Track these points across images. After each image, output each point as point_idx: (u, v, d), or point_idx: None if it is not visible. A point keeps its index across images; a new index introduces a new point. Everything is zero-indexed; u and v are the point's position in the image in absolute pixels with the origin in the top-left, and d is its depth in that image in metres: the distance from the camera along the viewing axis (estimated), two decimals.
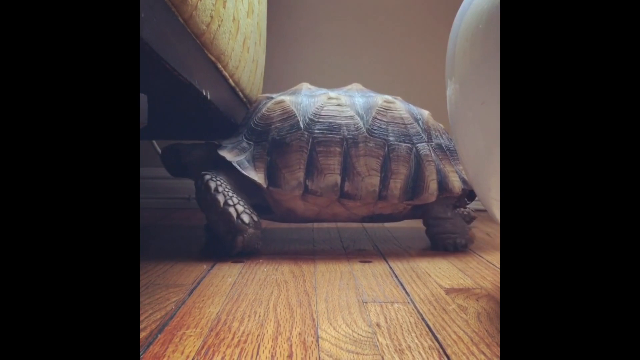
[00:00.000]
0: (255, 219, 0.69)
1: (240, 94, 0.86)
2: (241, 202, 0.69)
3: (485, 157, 0.41)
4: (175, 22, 0.49)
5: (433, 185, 0.74)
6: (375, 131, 0.74)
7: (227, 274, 0.58)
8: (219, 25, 0.61)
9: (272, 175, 0.71)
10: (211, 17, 0.57)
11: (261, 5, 0.97)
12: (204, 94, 0.60)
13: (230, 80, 0.76)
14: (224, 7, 0.62)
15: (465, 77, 0.43)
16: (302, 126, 0.74)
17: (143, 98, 0.44)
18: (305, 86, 0.82)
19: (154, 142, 1.36)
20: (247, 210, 0.68)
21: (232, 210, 0.67)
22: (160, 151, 1.37)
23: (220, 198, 0.68)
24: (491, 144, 0.39)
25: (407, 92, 1.36)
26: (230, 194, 0.69)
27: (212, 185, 0.69)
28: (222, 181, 0.70)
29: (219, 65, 0.68)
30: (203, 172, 0.71)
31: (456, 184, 0.76)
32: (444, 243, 0.75)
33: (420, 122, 0.79)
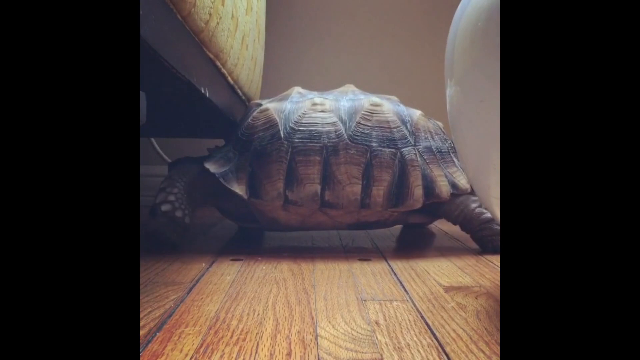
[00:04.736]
0: (179, 214, 0.69)
1: (239, 91, 0.86)
2: (178, 195, 0.71)
3: (484, 156, 0.41)
4: (173, 19, 0.49)
5: (418, 192, 0.72)
6: (357, 137, 0.73)
7: (226, 272, 0.58)
8: (218, 23, 0.61)
9: (253, 186, 0.71)
10: (210, 14, 0.57)
11: (260, 3, 0.97)
12: (203, 91, 0.60)
13: (229, 78, 0.76)
14: (223, 5, 0.62)
15: (465, 76, 0.42)
16: (282, 135, 0.73)
17: (142, 96, 0.44)
18: (295, 90, 0.81)
19: (153, 140, 1.36)
20: (177, 204, 0.70)
21: (162, 195, 0.71)
22: (159, 150, 1.37)
23: (165, 184, 0.72)
24: (491, 143, 0.39)
25: (406, 92, 1.36)
26: (176, 190, 0.71)
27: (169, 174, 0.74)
28: (180, 177, 0.73)
29: (218, 63, 0.68)
30: (176, 160, 0.76)
31: (444, 189, 0.73)
32: (493, 245, 0.72)
33: (408, 124, 0.76)
